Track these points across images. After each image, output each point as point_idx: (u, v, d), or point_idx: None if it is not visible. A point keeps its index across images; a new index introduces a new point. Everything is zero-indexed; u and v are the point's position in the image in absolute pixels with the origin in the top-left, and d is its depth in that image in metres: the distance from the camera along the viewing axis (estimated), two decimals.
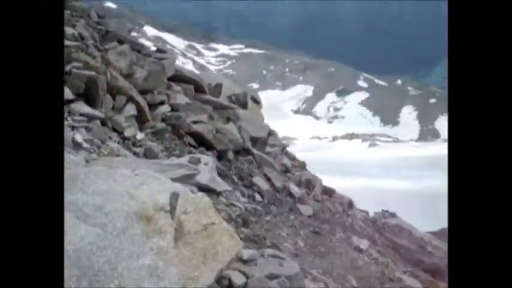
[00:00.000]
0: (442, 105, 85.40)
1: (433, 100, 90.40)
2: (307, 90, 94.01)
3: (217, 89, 9.09)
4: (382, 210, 10.33)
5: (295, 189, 7.61)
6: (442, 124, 77.20)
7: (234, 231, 3.13)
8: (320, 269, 4.91)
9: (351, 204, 8.84)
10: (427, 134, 72.21)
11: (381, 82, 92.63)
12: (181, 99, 7.44)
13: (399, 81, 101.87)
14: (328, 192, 8.74)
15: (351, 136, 53.31)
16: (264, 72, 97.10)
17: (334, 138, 52.75)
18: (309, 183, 8.49)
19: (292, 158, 10.62)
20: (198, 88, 8.33)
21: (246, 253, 3.12)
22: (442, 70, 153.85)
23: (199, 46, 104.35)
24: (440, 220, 10.65)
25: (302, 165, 10.10)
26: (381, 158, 31.73)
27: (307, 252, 5.45)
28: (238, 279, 2.85)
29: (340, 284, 4.68)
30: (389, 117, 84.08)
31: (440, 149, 39.85)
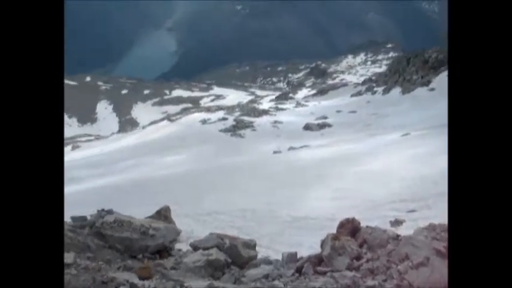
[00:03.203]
0: (134, 94, 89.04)
1: (125, 91, 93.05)
2: None
3: None
4: (98, 210, 10.06)
5: None
6: (137, 112, 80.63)
7: None
8: None
9: None
10: (125, 124, 74.09)
11: (71, 82, 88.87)
12: None
13: (88, 78, 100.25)
14: None
15: None
16: None
17: None
18: None
19: None
20: None
21: None
22: (128, 61, 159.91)
23: None
24: (154, 203, 11.19)
25: None
26: (85, 158, 30.82)
27: None
28: None
29: None
30: (86, 116, 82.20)
31: (140, 136, 41.57)
